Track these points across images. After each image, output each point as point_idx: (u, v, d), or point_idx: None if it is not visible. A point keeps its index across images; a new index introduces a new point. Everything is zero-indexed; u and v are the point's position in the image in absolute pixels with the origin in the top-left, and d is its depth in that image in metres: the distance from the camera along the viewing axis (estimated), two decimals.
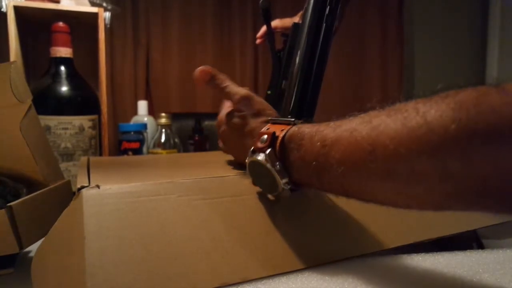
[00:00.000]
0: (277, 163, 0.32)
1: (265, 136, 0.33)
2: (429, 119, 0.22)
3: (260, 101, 0.41)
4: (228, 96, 0.42)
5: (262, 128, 0.35)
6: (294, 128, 0.33)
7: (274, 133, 0.33)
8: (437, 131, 0.22)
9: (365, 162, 0.25)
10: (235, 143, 0.43)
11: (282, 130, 0.33)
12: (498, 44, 2.02)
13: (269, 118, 0.38)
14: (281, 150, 0.32)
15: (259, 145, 0.33)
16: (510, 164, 0.20)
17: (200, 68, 0.41)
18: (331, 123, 0.30)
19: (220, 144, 0.49)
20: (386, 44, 2.00)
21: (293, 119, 0.34)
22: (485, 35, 2.09)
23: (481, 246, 0.45)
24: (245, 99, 0.40)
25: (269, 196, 0.36)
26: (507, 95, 0.20)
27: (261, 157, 0.33)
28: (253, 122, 0.39)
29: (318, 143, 0.29)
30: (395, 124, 0.24)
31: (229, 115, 0.43)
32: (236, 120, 0.42)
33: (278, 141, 0.32)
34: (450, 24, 2.08)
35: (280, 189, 0.33)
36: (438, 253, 0.37)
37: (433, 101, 0.23)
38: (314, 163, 0.29)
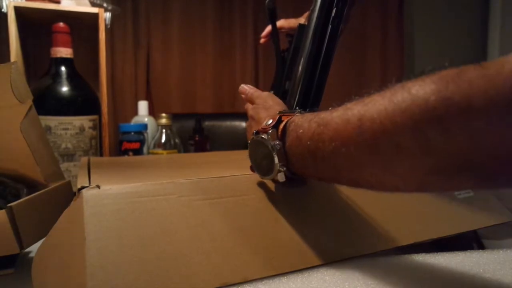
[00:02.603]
0: (278, 142, 0.34)
1: (271, 120, 0.35)
2: (413, 92, 0.23)
3: (274, 97, 0.45)
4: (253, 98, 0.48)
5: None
6: (299, 115, 0.34)
7: (280, 117, 0.35)
8: (418, 103, 0.23)
9: (353, 136, 0.26)
10: (249, 130, 0.47)
11: (288, 117, 0.35)
12: (498, 44, 2.02)
13: (278, 110, 0.39)
14: (283, 132, 0.34)
15: (264, 125, 0.36)
16: (486, 137, 0.20)
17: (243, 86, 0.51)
18: (330, 108, 0.31)
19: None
20: (386, 44, 2.00)
21: (300, 110, 0.36)
22: (485, 35, 2.09)
23: (481, 247, 0.45)
24: (267, 95, 0.47)
25: (265, 179, 0.37)
26: (484, 70, 0.21)
27: (263, 136, 0.35)
28: (263, 113, 0.43)
29: (315, 124, 0.30)
30: (383, 100, 0.25)
31: (252, 108, 0.48)
32: (251, 111, 0.46)
33: (282, 124, 0.34)
34: (450, 24, 2.08)
35: (276, 171, 0.34)
36: (438, 253, 0.37)
37: (420, 78, 0.24)
38: (309, 142, 0.30)
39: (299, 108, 0.43)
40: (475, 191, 0.47)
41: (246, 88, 0.50)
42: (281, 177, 0.34)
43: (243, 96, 0.50)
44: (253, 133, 0.37)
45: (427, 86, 0.23)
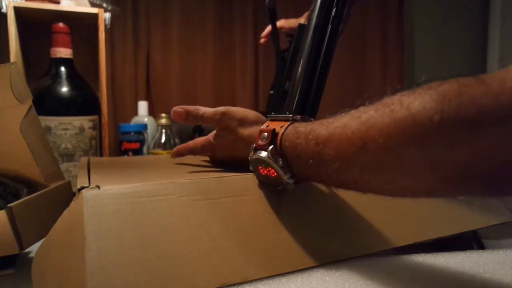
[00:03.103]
0: (280, 159, 0.33)
1: (265, 134, 0.35)
2: (414, 111, 0.23)
3: (237, 109, 0.43)
4: (208, 118, 0.44)
5: (259, 127, 0.36)
6: (291, 127, 0.34)
7: (274, 130, 0.34)
8: (421, 122, 0.23)
9: (357, 156, 0.26)
10: (233, 156, 0.44)
11: (282, 126, 0.34)
12: (498, 44, 2.02)
13: (268, 115, 0.39)
14: (282, 146, 0.33)
15: (261, 142, 0.35)
16: (491, 150, 0.21)
17: (173, 111, 0.45)
18: (324, 121, 0.31)
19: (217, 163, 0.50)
20: (386, 44, 2.00)
21: (290, 115, 0.35)
22: (485, 35, 2.09)
23: (481, 246, 0.45)
24: (226, 113, 0.43)
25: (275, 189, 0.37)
26: (486, 86, 0.21)
27: (263, 154, 0.34)
28: (244, 130, 0.42)
29: (312, 142, 0.30)
30: (382, 118, 0.25)
31: (215, 137, 0.46)
32: (225, 136, 0.44)
33: (279, 137, 0.34)
34: (450, 24, 2.08)
35: (285, 183, 0.34)
36: (438, 253, 0.37)
37: (417, 93, 0.24)
38: (310, 161, 0.30)
39: (297, 111, 0.42)
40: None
41: (186, 110, 0.45)
42: (291, 186, 0.34)
43: (182, 120, 0.45)
44: (252, 148, 0.36)
45: (428, 103, 0.23)
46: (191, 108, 0.45)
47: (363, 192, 0.29)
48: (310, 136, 0.31)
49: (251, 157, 0.36)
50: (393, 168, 0.25)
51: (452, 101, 0.22)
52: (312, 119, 0.36)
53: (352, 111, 0.29)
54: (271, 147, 0.34)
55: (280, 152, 0.33)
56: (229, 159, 0.46)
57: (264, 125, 0.36)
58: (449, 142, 0.22)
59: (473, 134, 0.21)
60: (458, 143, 0.22)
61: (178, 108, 0.45)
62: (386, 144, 0.24)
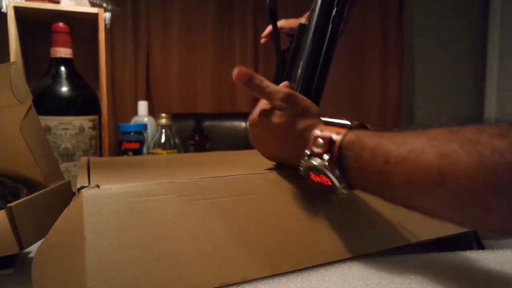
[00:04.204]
0: (337, 169, 0.32)
1: (321, 141, 0.33)
2: (508, 157, 0.22)
3: (304, 99, 0.39)
4: (270, 95, 0.39)
5: (313, 130, 0.34)
6: (352, 136, 0.32)
7: (331, 138, 0.32)
8: None
9: (433, 190, 0.25)
10: (277, 144, 0.40)
11: (338, 133, 0.32)
12: (498, 44, 2.02)
13: (322, 119, 0.36)
14: (340, 156, 0.32)
15: (316, 150, 0.33)
16: None
17: (237, 69, 0.39)
18: (393, 137, 0.29)
19: (254, 143, 0.44)
20: (386, 44, 2.00)
21: (348, 122, 0.33)
22: (485, 35, 2.09)
23: (481, 246, 0.45)
24: (290, 96, 0.38)
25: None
26: None
27: (318, 162, 0.32)
28: (302, 123, 0.37)
29: (381, 159, 0.29)
30: (469, 158, 0.24)
31: (266, 114, 0.40)
32: (278, 119, 0.38)
33: (336, 147, 0.32)
34: (451, 24, 2.08)
35: (339, 193, 0.33)
36: (438, 253, 0.37)
37: (506, 135, 0.23)
38: (375, 177, 0.29)
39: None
40: None
41: (252, 75, 0.39)
42: (343, 195, 0.33)
43: (243, 84, 0.39)
44: (305, 154, 0.34)
45: None
46: (256, 76, 0.39)
47: (427, 216, 0.28)
48: (378, 152, 0.29)
49: (302, 162, 0.34)
50: (472, 210, 0.24)
51: None
52: (369, 126, 0.34)
53: (427, 133, 0.27)
54: (327, 156, 0.32)
55: (337, 162, 0.32)
56: (266, 138, 0.41)
57: (317, 129, 0.34)
58: None
59: None
60: None
61: (243, 69, 0.39)
62: (471, 187, 0.24)
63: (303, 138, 0.35)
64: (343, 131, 0.32)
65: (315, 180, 0.35)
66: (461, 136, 0.25)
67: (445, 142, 0.26)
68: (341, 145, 0.32)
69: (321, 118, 0.36)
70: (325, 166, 0.32)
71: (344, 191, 0.33)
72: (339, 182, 0.32)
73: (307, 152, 0.34)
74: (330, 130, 0.33)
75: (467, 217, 0.26)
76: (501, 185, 0.23)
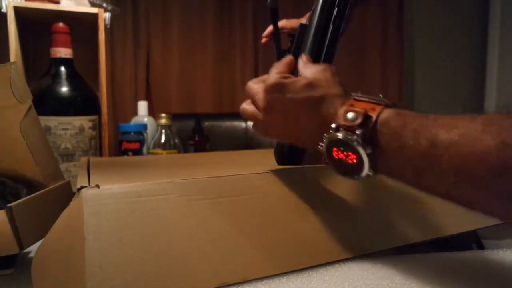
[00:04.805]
0: (369, 146, 0.29)
1: (353, 114, 0.29)
2: None
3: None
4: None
5: (341, 104, 0.31)
6: (391, 112, 0.29)
7: (366, 111, 0.29)
8: None
9: (490, 179, 0.23)
10: (292, 121, 0.35)
11: (373, 109, 0.29)
12: (498, 44, 2.02)
13: (353, 94, 0.33)
14: (374, 132, 0.29)
15: (346, 123, 0.29)
16: None
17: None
18: (440, 119, 0.27)
19: (263, 119, 0.37)
20: (386, 44, 2.00)
21: (384, 99, 0.30)
22: (485, 34, 2.09)
23: (481, 247, 0.45)
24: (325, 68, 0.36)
25: (342, 177, 0.33)
26: None
27: (349, 136, 0.29)
28: (330, 89, 0.34)
29: (425, 141, 0.26)
30: None
31: (280, 89, 0.35)
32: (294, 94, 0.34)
33: (372, 122, 0.29)
34: (450, 24, 2.08)
35: (364, 174, 0.30)
36: (438, 253, 0.37)
37: None
38: (416, 160, 0.27)
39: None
40: None
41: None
42: (365, 179, 0.30)
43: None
44: (332, 127, 0.30)
45: None
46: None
47: (470, 209, 0.26)
48: (424, 133, 0.26)
49: (328, 136, 0.31)
50: None
51: None
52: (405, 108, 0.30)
53: (482, 117, 0.25)
54: (360, 130, 0.29)
55: (370, 139, 0.29)
56: (283, 108, 0.35)
57: (346, 104, 0.31)
58: None
59: None
60: None
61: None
62: None
63: (324, 108, 0.32)
64: (379, 107, 0.29)
65: (336, 157, 0.31)
66: None
67: (505, 128, 0.23)
68: (377, 121, 0.29)
69: (352, 94, 0.33)
70: (357, 140, 0.29)
71: (370, 173, 0.30)
72: (369, 161, 0.29)
73: (334, 125, 0.30)
74: (362, 105, 0.30)
75: None
76: None
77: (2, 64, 0.41)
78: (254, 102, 0.38)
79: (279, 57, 0.54)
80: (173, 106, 1.78)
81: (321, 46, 0.42)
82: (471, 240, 0.45)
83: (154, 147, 0.87)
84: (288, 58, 0.40)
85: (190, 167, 0.51)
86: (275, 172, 0.40)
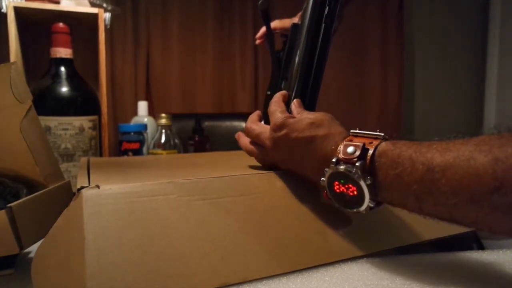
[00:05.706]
0: (369, 177, 0.30)
1: (352, 148, 0.31)
2: None
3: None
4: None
5: (341, 140, 0.33)
6: (388, 144, 0.31)
7: (364, 144, 0.31)
8: None
9: (488, 196, 0.24)
10: (296, 157, 0.38)
11: (371, 143, 0.31)
12: (498, 44, 2.02)
13: (351, 131, 0.35)
14: (372, 164, 0.30)
15: (346, 156, 0.31)
16: None
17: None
18: (434, 144, 0.28)
19: (274, 155, 0.40)
20: (386, 44, 2.00)
21: (381, 134, 0.32)
22: (485, 34, 2.09)
23: (481, 247, 0.45)
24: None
25: (343, 210, 0.34)
26: None
27: (350, 168, 0.31)
28: (331, 128, 0.35)
29: (422, 166, 0.27)
30: None
31: (281, 128, 0.38)
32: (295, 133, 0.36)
33: (369, 154, 0.30)
34: (450, 24, 2.08)
35: (366, 206, 0.31)
36: (438, 253, 0.37)
37: None
38: (415, 186, 0.28)
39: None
40: None
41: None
42: (367, 211, 0.32)
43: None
44: (333, 162, 0.32)
45: None
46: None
47: (478, 230, 0.27)
48: (420, 159, 0.27)
49: (329, 170, 0.32)
50: None
51: None
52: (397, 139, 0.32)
53: (474, 139, 0.26)
54: (360, 162, 0.30)
55: (370, 170, 0.30)
56: (294, 144, 0.37)
57: (346, 139, 0.33)
58: None
59: None
60: None
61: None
62: None
63: (326, 145, 0.34)
64: (376, 141, 0.31)
65: (338, 191, 0.33)
66: (508, 137, 0.24)
67: (496, 146, 0.24)
68: (375, 152, 0.30)
69: (350, 130, 0.35)
70: (356, 171, 0.30)
71: (371, 204, 0.31)
72: (369, 192, 0.30)
73: (335, 159, 0.32)
74: (360, 140, 0.32)
75: None
76: None
77: (2, 64, 0.41)
78: (258, 141, 0.42)
79: (274, 57, 0.54)
80: (173, 106, 1.78)
81: (314, 45, 0.42)
82: (471, 240, 0.45)
83: (154, 147, 0.87)
84: (280, 94, 0.44)
85: (190, 167, 0.51)
86: (275, 172, 0.40)
